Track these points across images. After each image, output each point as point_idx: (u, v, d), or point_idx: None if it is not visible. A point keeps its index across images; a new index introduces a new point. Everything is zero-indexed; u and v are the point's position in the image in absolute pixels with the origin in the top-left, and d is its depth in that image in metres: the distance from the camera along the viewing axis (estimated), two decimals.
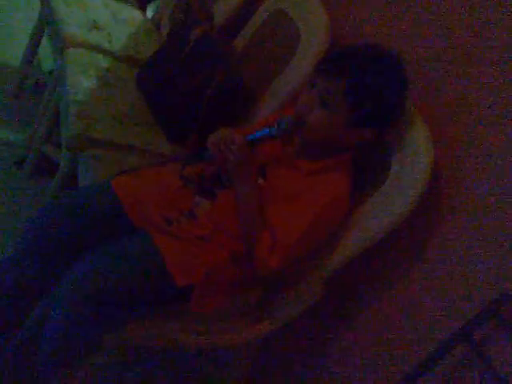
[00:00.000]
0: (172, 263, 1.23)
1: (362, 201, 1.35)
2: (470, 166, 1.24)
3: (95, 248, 1.23)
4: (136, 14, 2.39)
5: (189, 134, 1.76)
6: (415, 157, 1.25)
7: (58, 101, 1.82)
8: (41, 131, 1.93)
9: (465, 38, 1.29)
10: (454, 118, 1.29)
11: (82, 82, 1.70)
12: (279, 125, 1.25)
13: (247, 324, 1.42)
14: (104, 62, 1.89)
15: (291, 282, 1.43)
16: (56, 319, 1.17)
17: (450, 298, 1.24)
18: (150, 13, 2.70)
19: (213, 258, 1.27)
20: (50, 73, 2.42)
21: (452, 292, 1.23)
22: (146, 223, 1.30)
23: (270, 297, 1.45)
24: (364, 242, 1.31)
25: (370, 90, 1.19)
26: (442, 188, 1.28)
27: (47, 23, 2.03)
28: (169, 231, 1.29)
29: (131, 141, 1.60)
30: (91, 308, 1.14)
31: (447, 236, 1.26)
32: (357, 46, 1.32)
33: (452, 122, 1.29)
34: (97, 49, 1.95)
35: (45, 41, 2.29)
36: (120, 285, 1.18)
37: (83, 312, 1.14)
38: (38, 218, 1.32)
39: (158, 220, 1.30)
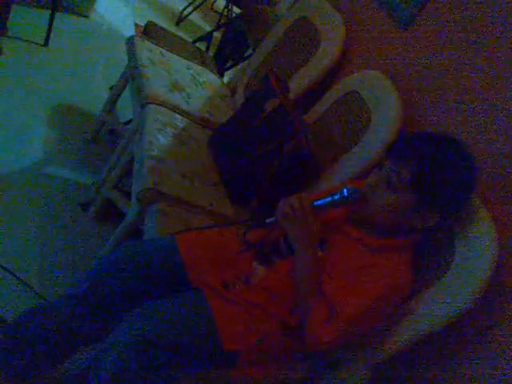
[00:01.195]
0: (223, 327, 1.24)
1: (424, 287, 1.33)
2: None
3: (151, 302, 1.26)
4: (214, 78, 2.52)
5: (251, 199, 1.81)
6: (480, 248, 1.25)
7: (132, 152, 1.91)
8: (111, 178, 2.02)
9: None
10: None
11: (159, 139, 1.78)
12: (342, 192, 1.28)
13: None
14: (181, 122, 1.98)
15: (340, 364, 1.40)
16: (105, 368, 1.19)
17: None
18: (226, 78, 2.84)
19: (264, 327, 1.28)
20: (127, 123, 2.56)
21: None
22: (203, 283, 1.33)
23: (316, 375, 1.43)
24: (420, 330, 1.29)
25: (436, 177, 1.22)
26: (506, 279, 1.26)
27: (132, 78, 2.16)
28: (223, 295, 1.30)
29: (198, 199, 1.65)
30: (140, 360, 1.16)
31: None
32: (426, 133, 1.36)
33: None
34: (176, 109, 2.05)
35: (124, 92, 2.44)
36: (170, 341, 1.19)
37: (132, 364, 1.16)
38: (101, 264, 1.38)
39: (214, 282, 1.33)
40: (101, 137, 2.58)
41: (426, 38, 1.82)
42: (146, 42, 2.35)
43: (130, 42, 2.32)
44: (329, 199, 1.31)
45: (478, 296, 1.22)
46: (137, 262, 1.34)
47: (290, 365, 1.38)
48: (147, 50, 2.27)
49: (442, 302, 1.27)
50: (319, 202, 1.33)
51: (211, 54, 3.30)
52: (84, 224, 2.13)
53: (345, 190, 1.28)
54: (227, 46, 3.31)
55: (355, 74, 1.93)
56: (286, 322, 1.30)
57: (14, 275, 1.75)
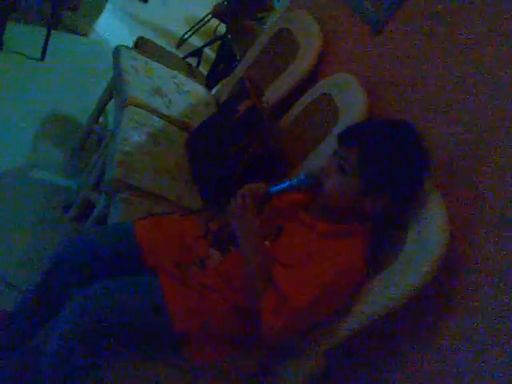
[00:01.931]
0: (174, 308, 1.25)
1: (378, 273, 1.33)
2: (486, 240, 1.22)
3: (102, 282, 1.28)
4: (200, 88, 2.57)
5: (221, 196, 1.83)
6: (430, 233, 1.25)
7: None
8: (90, 180, 2.06)
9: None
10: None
11: (133, 136, 1.83)
12: (299, 177, 1.33)
13: None
14: (158, 124, 2.03)
15: (295, 352, 1.39)
16: (55, 344, 1.20)
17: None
18: (214, 91, 2.90)
19: (214, 308, 1.28)
20: None
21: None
22: (158, 266, 1.35)
23: (272, 364, 1.42)
24: (374, 314, 1.28)
25: (380, 160, 1.24)
26: (456, 263, 1.26)
27: (114, 85, 2.22)
28: (177, 276, 1.32)
29: (166, 193, 1.67)
30: (85, 338, 1.18)
31: (459, 315, 1.22)
32: (375, 119, 1.38)
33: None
34: (155, 112, 2.10)
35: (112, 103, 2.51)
36: (121, 320, 1.21)
37: (75, 342, 1.18)
38: (63, 248, 1.41)
39: (168, 264, 1.34)
40: (88, 145, 2.63)
41: (396, 43, 1.86)
42: (132, 51, 2.43)
43: (116, 50, 2.39)
44: (287, 184, 1.35)
45: (429, 277, 1.22)
46: (90, 248, 1.36)
47: (245, 351, 1.38)
48: (132, 59, 2.34)
49: (394, 284, 1.27)
50: (276, 188, 1.37)
51: (204, 71, 3.37)
52: (65, 224, 2.17)
53: (302, 175, 1.33)
54: (220, 64, 3.39)
55: (328, 78, 1.97)
56: (239, 305, 1.31)
57: None
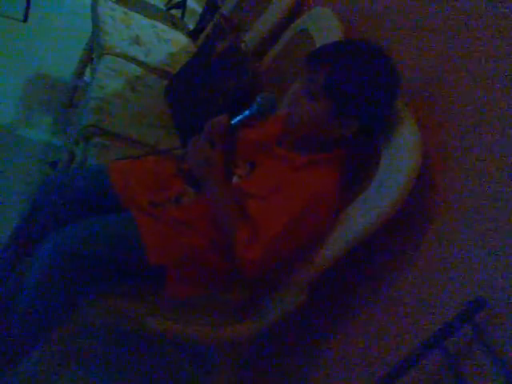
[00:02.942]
0: (148, 240, 1.25)
1: (351, 200, 1.32)
2: (459, 168, 1.20)
3: (80, 219, 1.28)
4: (182, 37, 2.53)
5: None
6: (402, 156, 1.22)
7: None
8: (72, 133, 2.05)
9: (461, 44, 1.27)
10: (446, 119, 1.26)
11: (108, 83, 1.81)
12: (256, 101, 1.29)
13: (227, 323, 1.40)
14: (135, 71, 2.00)
15: (275, 284, 1.40)
16: (32, 279, 1.21)
17: (429, 302, 1.16)
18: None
19: (190, 243, 1.28)
20: None
21: (433, 295, 1.16)
22: (133, 204, 1.34)
23: (253, 299, 1.43)
24: (349, 241, 1.26)
25: (346, 82, 1.20)
26: (427, 188, 1.24)
27: (93, 37, 2.19)
28: (152, 213, 1.31)
29: (142, 137, 1.66)
30: (62, 272, 1.18)
31: (432, 236, 1.21)
32: (343, 40, 1.34)
33: (444, 123, 1.26)
34: (133, 60, 2.06)
35: None
36: (96, 251, 1.20)
37: (55, 276, 1.18)
38: (39, 193, 1.41)
39: (143, 202, 1.33)
40: (75, 101, 2.62)
41: None
42: (110, 2, 2.38)
43: (93, 3, 2.35)
44: (247, 113, 1.31)
45: (402, 199, 1.20)
46: (64, 190, 1.35)
47: (226, 286, 1.39)
48: (110, 9, 2.30)
49: (368, 210, 1.25)
50: (236, 120, 1.33)
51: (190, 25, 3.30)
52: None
53: (258, 99, 1.28)
54: (206, 16, 3.31)
55: (305, 13, 1.92)
56: (215, 239, 1.30)
57: None
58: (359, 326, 1.36)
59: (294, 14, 2.10)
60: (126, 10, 2.39)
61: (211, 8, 3.24)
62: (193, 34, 2.83)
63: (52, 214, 1.35)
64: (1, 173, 2.07)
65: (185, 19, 3.21)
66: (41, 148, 2.33)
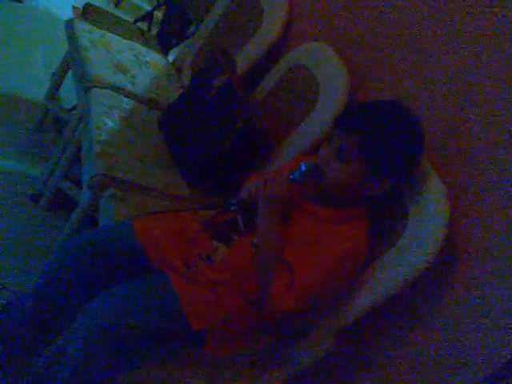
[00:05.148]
0: (188, 307, 1.24)
1: (380, 254, 1.36)
2: (485, 217, 1.27)
3: (113, 286, 1.24)
4: (158, 57, 2.47)
5: (205, 179, 1.79)
6: (432, 211, 1.28)
7: (79, 139, 1.86)
8: (60, 167, 1.96)
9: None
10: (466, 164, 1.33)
11: (106, 122, 1.74)
12: (300, 170, 1.29)
13: (256, 374, 1.41)
14: (127, 104, 1.94)
15: (303, 333, 1.42)
16: (71, 354, 1.17)
17: (467, 356, 1.23)
18: (171, 57, 2.78)
19: (229, 304, 1.28)
20: (71, 110, 2.49)
21: (469, 350, 1.23)
22: (165, 266, 1.32)
23: (280, 346, 1.45)
24: (379, 295, 1.32)
25: (382, 145, 1.24)
26: (459, 241, 1.30)
27: (74, 63, 2.09)
28: (187, 275, 1.30)
29: (151, 182, 1.62)
30: (106, 344, 1.15)
31: (466, 289, 1.27)
32: (372, 102, 1.37)
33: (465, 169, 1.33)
34: (121, 91, 2.00)
35: (66, 79, 2.36)
36: (136, 323, 1.18)
37: (98, 348, 1.15)
38: (57, 256, 1.35)
39: (177, 263, 1.32)
40: (46, 125, 2.49)
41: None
42: (86, 24, 2.27)
43: (68, 25, 2.23)
44: (290, 177, 1.31)
45: (431, 258, 1.26)
46: (93, 252, 1.31)
47: (254, 338, 1.40)
48: (87, 32, 2.20)
49: (397, 266, 1.30)
50: (294, 176, 1.32)
51: (153, 33, 3.21)
52: (35, 216, 2.07)
53: (302, 166, 1.29)
54: (169, 25, 3.23)
55: (300, 47, 1.92)
56: (249, 297, 1.31)
57: None
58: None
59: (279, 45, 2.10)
60: (102, 32, 2.29)
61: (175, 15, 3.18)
62: (163, 50, 2.77)
63: (79, 277, 1.31)
64: None
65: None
66: (14, 178, 2.19)
